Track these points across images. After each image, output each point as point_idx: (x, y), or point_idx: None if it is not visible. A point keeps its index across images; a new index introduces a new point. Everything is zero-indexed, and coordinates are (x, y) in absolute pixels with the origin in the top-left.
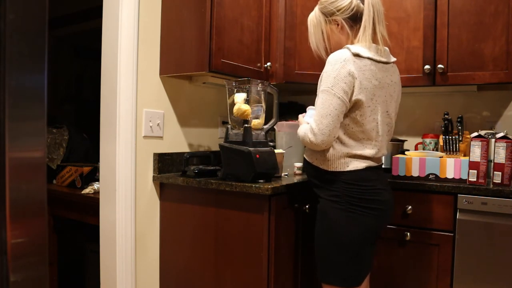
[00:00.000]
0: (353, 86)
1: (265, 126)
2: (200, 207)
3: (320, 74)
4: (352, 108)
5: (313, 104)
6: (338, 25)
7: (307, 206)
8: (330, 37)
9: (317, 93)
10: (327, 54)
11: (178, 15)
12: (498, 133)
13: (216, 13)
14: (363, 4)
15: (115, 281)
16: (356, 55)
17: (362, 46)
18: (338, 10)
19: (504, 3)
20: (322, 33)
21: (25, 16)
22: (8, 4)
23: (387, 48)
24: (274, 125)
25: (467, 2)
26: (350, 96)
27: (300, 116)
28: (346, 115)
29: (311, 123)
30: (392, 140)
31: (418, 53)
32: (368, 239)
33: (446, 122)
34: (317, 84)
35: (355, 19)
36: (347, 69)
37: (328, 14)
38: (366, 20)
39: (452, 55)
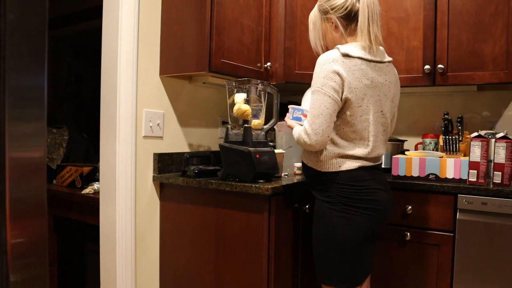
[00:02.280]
0: (343, 86)
1: (265, 126)
2: (200, 207)
3: None
4: (342, 109)
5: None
6: (332, 23)
7: (307, 206)
8: (325, 35)
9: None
10: (324, 52)
11: (178, 15)
12: (498, 133)
13: (216, 13)
14: (358, 3)
15: (115, 281)
16: (345, 55)
17: (352, 45)
18: (332, 9)
19: (504, 3)
20: (319, 31)
21: (25, 16)
22: (8, 4)
23: (382, 48)
24: (274, 125)
25: (467, 2)
26: (341, 95)
27: (286, 119)
28: (337, 116)
29: (304, 124)
30: (392, 140)
31: (418, 53)
32: (365, 239)
33: (446, 122)
34: None
35: (349, 18)
36: (335, 68)
37: (323, 12)
38: (361, 21)
39: (452, 55)
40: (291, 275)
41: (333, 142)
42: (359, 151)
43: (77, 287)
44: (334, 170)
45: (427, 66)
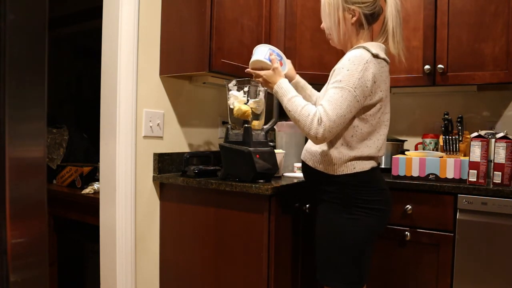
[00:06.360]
0: (372, 90)
1: (265, 126)
2: (200, 207)
3: (320, 73)
4: (366, 110)
5: None
6: (353, 16)
7: (307, 206)
8: (339, 25)
9: (330, 84)
10: (339, 42)
11: (178, 15)
12: (498, 133)
13: (216, 13)
14: (385, 6)
15: (115, 281)
16: (376, 56)
17: (376, 46)
18: (362, 2)
19: (504, 3)
20: (335, 17)
21: (25, 16)
22: (8, 4)
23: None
24: (274, 125)
25: (467, 2)
26: (365, 100)
27: (262, 58)
28: (358, 117)
29: (322, 112)
30: (392, 140)
31: (418, 53)
32: (371, 240)
33: (446, 122)
34: (317, 84)
35: (372, 17)
36: (370, 71)
37: (349, 1)
38: (389, 25)
39: (452, 55)
40: (291, 275)
41: (347, 145)
42: (372, 151)
43: (77, 287)
44: (348, 172)
45: (427, 66)
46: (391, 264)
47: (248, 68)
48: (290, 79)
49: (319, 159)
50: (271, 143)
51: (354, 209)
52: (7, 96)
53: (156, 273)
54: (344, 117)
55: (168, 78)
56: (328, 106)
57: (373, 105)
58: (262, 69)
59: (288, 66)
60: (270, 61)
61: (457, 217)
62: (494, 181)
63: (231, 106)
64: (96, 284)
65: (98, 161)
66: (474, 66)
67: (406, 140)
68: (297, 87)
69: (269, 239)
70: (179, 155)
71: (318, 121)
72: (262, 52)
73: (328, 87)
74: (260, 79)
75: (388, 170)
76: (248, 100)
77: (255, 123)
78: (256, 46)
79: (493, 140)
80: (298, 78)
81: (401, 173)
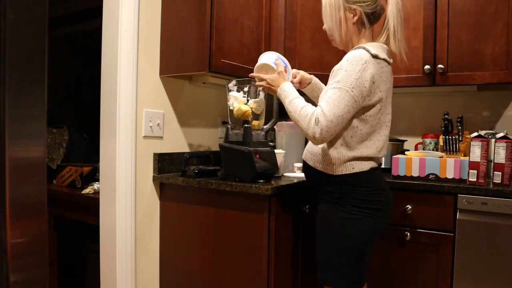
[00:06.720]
0: (371, 91)
1: (265, 126)
2: (200, 207)
3: (320, 74)
4: (365, 110)
5: None
6: (354, 15)
7: (307, 206)
8: (341, 25)
9: (329, 85)
10: (341, 42)
11: (178, 15)
12: (498, 133)
13: (216, 13)
14: (386, 6)
15: (115, 281)
16: (375, 57)
17: (376, 46)
18: (363, 1)
19: (504, 3)
20: (336, 17)
21: (25, 16)
22: (8, 4)
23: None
24: (274, 125)
25: (467, 2)
26: (365, 100)
27: (267, 62)
28: (358, 118)
29: (320, 112)
30: (392, 140)
31: (418, 53)
32: (371, 240)
33: (446, 122)
34: None
35: (373, 16)
36: (368, 72)
37: (350, 1)
38: (391, 24)
39: (452, 55)
40: (291, 275)
41: (347, 145)
42: (372, 151)
43: (77, 287)
44: (347, 172)
45: (427, 66)
46: (391, 264)
47: (247, 68)
48: (305, 84)
49: (319, 159)
50: (271, 143)
51: (354, 209)
52: (7, 96)
53: (156, 273)
54: (341, 117)
55: (168, 78)
56: (325, 107)
57: (373, 106)
58: (266, 74)
59: (291, 76)
60: (276, 65)
61: (457, 217)
62: (494, 181)
63: (231, 107)
64: (96, 284)
65: (98, 161)
66: (474, 66)
67: (406, 140)
68: (313, 89)
69: (269, 239)
70: (179, 155)
71: (315, 121)
72: (268, 58)
73: (327, 88)
74: (263, 83)
75: (388, 170)
76: (248, 100)
77: (255, 123)
78: (263, 53)
79: (493, 140)
80: (315, 80)
81: (401, 173)
